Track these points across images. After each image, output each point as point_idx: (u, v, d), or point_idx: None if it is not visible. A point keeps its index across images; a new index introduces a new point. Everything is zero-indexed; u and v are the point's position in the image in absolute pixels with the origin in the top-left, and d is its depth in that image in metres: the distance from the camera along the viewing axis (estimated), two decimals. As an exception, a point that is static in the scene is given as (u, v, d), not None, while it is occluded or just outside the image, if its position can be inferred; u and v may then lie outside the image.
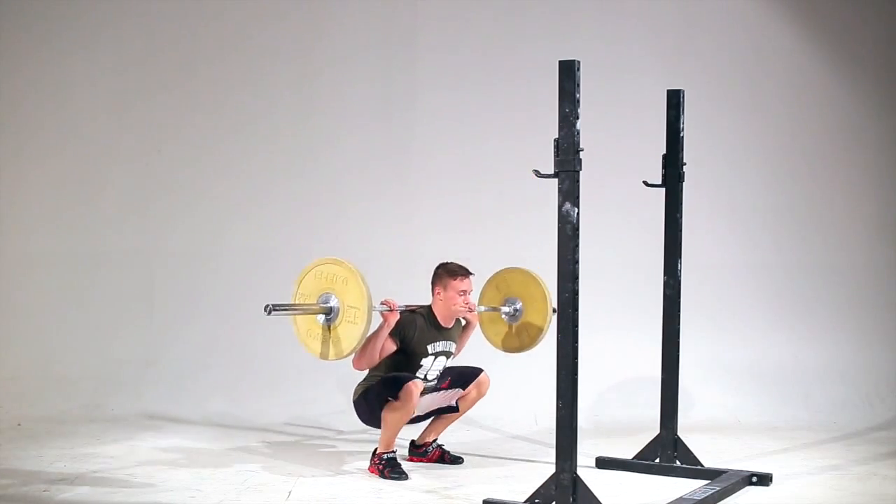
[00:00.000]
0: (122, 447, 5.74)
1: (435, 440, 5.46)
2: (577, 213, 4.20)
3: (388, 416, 5.04)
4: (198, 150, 7.34)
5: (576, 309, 4.23)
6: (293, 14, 7.37)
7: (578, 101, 4.18)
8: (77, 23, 7.28)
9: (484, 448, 5.86)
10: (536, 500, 4.32)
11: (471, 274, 5.21)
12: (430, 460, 5.42)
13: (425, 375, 5.19)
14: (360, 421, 5.23)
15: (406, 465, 5.17)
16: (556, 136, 4.21)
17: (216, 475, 5.07)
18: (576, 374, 4.25)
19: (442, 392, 5.29)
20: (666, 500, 4.47)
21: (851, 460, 5.56)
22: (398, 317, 4.94)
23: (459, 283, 5.16)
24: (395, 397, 4.97)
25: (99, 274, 7.22)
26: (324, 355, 4.68)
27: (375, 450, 5.15)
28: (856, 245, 7.37)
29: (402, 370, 5.11)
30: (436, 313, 5.20)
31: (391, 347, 5.04)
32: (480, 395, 5.36)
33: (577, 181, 4.21)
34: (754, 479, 4.96)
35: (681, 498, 4.49)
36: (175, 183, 7.33)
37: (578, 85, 4.19)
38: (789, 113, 7.44)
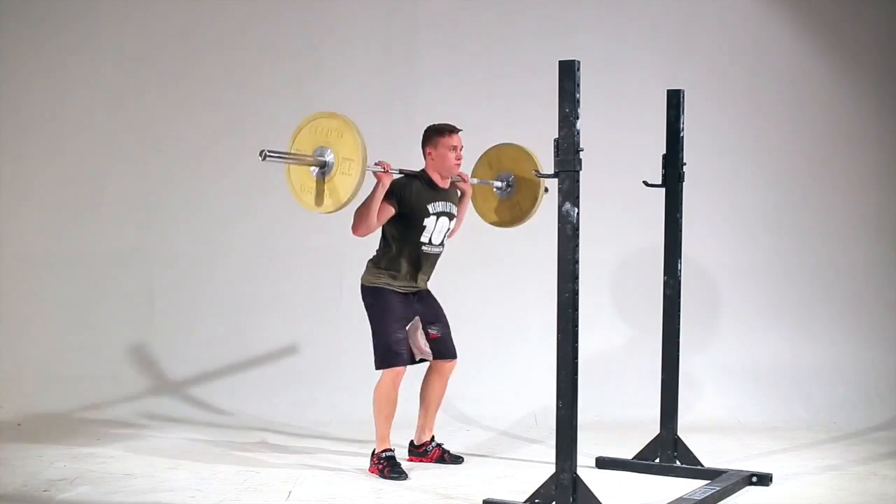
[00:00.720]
0: (122, 447, 5.74)
1: (433, 439, 5.46)
2: (577, 213, 4.20)
3: (376, 405, 5.10)
4: (198, 149, 7.34)
5: (576, 309, 4.23)
6: (293, 12, 7.36)
7: (578, 101, 4.19)
8: (77, 23, 7.27)
9: (484, 448, 5.86)
10: (536, 500, 4.32)
11: (459, 130, 5.22)
12: (430, 460, 5.42)
13: (430, 238, 5.18)
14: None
15: (406, 465, 5.18)
16: (556, 136, 4.21)
17: (216, 475, 5.08)
18: (576, 374, 4.25)
19: (423, 340, 5.27)
20: (666, 500, 4.47)
21: (851, 460, 5.56)
22: (392, 177, 4.96)
23: (449, 140, 5.18)
24: (382, 368, 5.06)
25: (99, 274, 7.21)
26: (317, 206, 4.67)
27: (374, 450, 5.15)
28: (856, 245, 7.37)
29: (406, 234, 5.12)
30: (430, 174, 5.21)
31: (389, 211, 5.04)
32: (442, 380, 5.35)
33: (577, 181, 4.21)
34: (754, 479, 4.96)
35: (681, 498, 4.49)
36: (175, 183, 7.32)
37: (578, 85, 4.19)
38: (789, 113, 7.44)
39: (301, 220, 7.21)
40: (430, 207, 5.16)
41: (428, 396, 5.40)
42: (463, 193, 5.43)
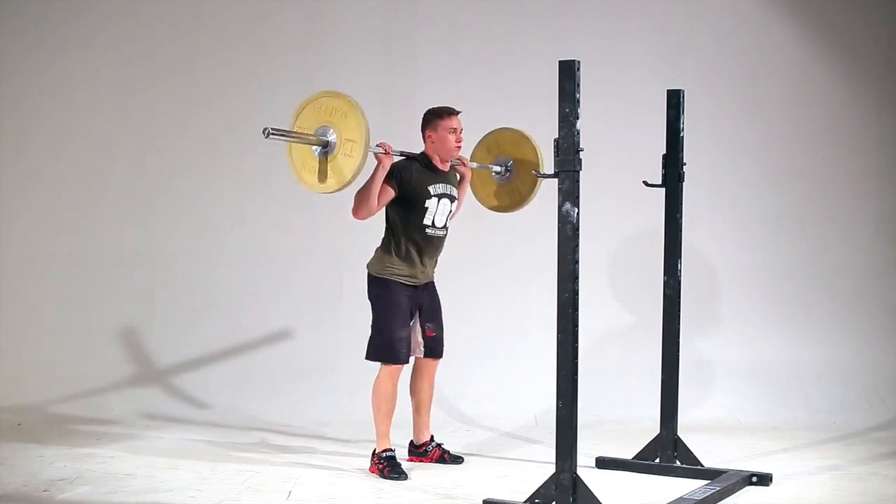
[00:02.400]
0: (122, 447, 5.74)
1: (433, 438, 5.46)
2: (577, 213, 4.20)
3: (374, 402, 5.12)
4: (198, 148, 7.34)
5: (576, 309, 4.23)
6: (293, 10, 7.36)
7: (578, 102, 4.19)
8: (77, 22, 7.28)
9: (484, 448, 5.86)
10: (536, 500, 4.32)
11: (459, 112, 5.22)
12: (430, 460, 5.42)
13: (433, 220, 5.17)
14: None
15: (406, 465, 5.18)
16: (556, 136, 4.21)
17: (216, 475, 5.07)
18: (576, 374, 4.25)
19: (420, 336, 5.28)
20: (666, 500, 4.47)
21: (851, 460, 5.56)
22: (393, 160, 4.95)
23: (449, 122, 5.18)
24: (376, 361, 5.10)
25: (99, 274, 7.21)
26: (320, 184, 4.64)
27: (375, 450, 5.15)
28: (856, 245, 7.36)
29: (409, 217, 5.11)
30: (430, 157, 5.20)
31: (389, 193, 5.03)
32: (430, 378, 5.38)
33: (577, 181, 4.21)
34: (754, 479, 4.96)
35: (681, 498, 4.49)
36: (175, 182, 7.32)
37: (578, 85, 4.19)
38: (790, 113, 7.43)
39: (301, 221, 7.25)
40: (431, 189, 5.15)
41: (418, 397, 5.40)
42: (462, 177, 5.43)
